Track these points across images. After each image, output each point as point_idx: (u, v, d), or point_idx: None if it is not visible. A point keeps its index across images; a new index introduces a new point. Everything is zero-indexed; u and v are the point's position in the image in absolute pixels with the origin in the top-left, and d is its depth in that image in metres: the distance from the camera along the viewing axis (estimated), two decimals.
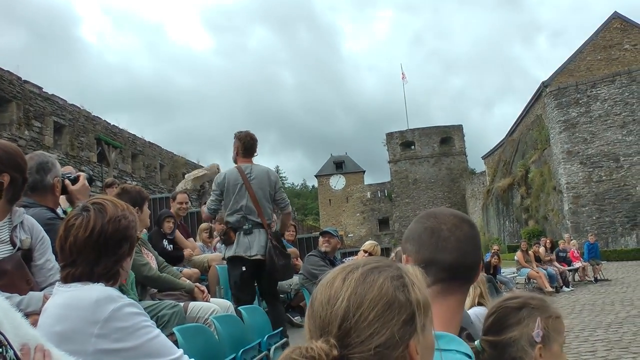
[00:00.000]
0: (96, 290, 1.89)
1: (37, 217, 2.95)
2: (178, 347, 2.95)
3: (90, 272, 1.94)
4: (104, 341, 1.77)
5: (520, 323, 1.75)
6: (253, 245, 5.38)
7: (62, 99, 21.12)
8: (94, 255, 1.96)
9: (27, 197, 3.09)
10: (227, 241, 5.48)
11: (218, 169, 16.35)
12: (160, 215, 6.65)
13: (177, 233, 6.80)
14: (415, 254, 1.47)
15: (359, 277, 0.95)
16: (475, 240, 1.51)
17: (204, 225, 8.11)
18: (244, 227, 5.42)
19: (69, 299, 1.89)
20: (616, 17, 38.12)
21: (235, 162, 5.71)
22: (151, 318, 3.24)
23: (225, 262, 5.86)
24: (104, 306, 1.83)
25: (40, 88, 19.88)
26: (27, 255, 2.61)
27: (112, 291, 1.92)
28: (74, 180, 3.35)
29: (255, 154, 5.80)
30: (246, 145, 5.70)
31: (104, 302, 1.84)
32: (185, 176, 7.73)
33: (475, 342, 1.72)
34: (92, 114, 23.19)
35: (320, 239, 7.37)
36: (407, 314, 0.94)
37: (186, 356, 1.93)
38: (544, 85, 36.03)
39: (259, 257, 5.36)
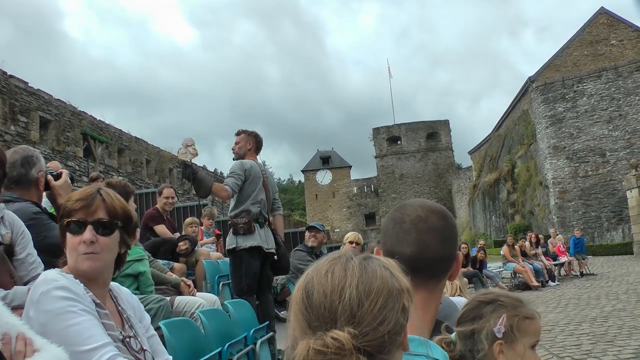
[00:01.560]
0: (44, 273, 1.90)
1: (22, 212, 2.92)
2: (164, 342, 2.95)
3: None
4: (33, 323, 1.72)
5: (483, 317, 1.77)
6: (268, 239, 5.62)
7: (47, 93, 20.93)
8: None
9: (12, 191, 3.06)
10: (248, 230, 5.53)
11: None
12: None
13: (163, 228, 6.78)
14: (382, 246, 1.46)
15: (360, 266, 0.95)
16: (443, 234, 1.44)
17: (188, 220, 8.07)
18: (259, 220, 5.62)
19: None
20: (603, 12, 38.29)
21: (242, 157, 5.84)
22: None
23: (213, 255, 5.86)
24: (37, 288, 1.81)
25: (25, 83, 19.69)
26: (8, 249, 2.58)
27: (51, 274, 1.88)
28: (57, 177, 3.32)
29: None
30: (259, 143, 5.99)
31: (39, 284, 1.82)
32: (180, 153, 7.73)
33: (452, 335, 1.73)
34: (78, 109, 23.01)
35: (307, 234, 7.36)
36: (402, 300, 0.95)
37: (110, 348, 1.78)
38: (531, 80, 36.21)
39: (272, 250, 5.65)
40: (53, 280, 1.84)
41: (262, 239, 5.56)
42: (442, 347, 1.69)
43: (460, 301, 2.32)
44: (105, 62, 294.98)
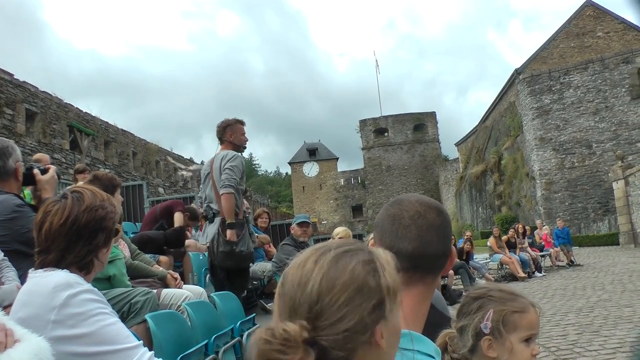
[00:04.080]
0: (57, 277, 1.86)
1: (5, 204, 2.88)
2: (151, 334, 2.94)
3: (60, 259, 1.92)
4: (59, 327, 1.72)
5: (470, 313, 1.78)
6: (208, 233, 5.53)
7: (33, 86, 20.77)
8: (66, 243, 1.93)
9: None
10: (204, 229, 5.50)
11: None
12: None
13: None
14: (379, 242, 1.44)
15: (331, 260, 0.94)
16: (441, 230, 1.44)
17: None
18: (207, 217, 5.58)
19: (33, 285, 1.87)
20: (589, 4, 38.41)
21: (224, 145, 5.64)
22: (124, 305, 3.22)
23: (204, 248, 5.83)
24: (61, 292, 1.78)
25: (11, 75, 19.52)
26: None
27: (72, 277, 1.87)
28: (44, 171, 3.28)
29: None
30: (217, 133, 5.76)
31: (61, 288, 1.80)
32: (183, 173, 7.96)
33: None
34: (64, 101, 22.88)
35: (298, 230, 7.27)
36: (376, 299, 0.93)
37: (146, 348, 1.85)
38: (517, 72, 36.35)
39: (207, 245, 5.56)
40: (78, 284, 1.85)
41: (205, 235, 5.46)
42: (446, 341, 1.73)
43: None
44: (88, 53, 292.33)
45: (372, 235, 2.06)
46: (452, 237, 1.57)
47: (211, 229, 5.42)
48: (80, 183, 5.40)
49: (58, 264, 1.91)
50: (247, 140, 5.81)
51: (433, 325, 2.14)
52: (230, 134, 5.61)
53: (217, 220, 5.41)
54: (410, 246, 1.37)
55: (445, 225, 1.47)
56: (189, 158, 39.20)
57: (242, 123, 5.79)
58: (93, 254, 1.99)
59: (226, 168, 5.32)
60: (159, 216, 6.69)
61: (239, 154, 5.54)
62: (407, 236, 1.39)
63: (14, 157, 3.17)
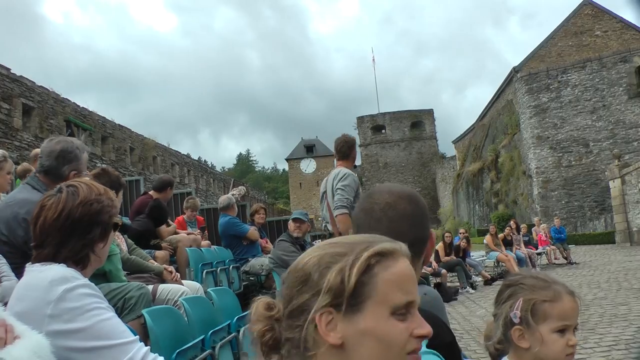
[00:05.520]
0: (53, 271, 1.85)
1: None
2: (147, 330, 2.94)
3: (56, 254, 1.91)
4: (55, 322, 1.71)
5: (502, 301, 1.75)
6: None
7: (30, 80, 20.70)
8: (61, 237, 1.92)
9: (42, 180, 3.18)
10: None
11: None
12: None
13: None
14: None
15: (314, 248, 1.06)
16: (413, 218, 1.45)
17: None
18: None
19: (29, 280, 1.86)
20: (587, 3, 38.43)
21: (342, 162, 5.50)
22: (118, 301, 3.22)
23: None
24: (57, 286, 1.77)
25: (8, 69, 19.45)
26: None
27: (69, 272, 1.86)
28: None
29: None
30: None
31: (57, 282, 1.79)
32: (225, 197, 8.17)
33: None
34: (61, 96, 22.82)
35: (292, 225, 7.30)
36: (319, 287, 0.98)
37: (142, 343, 1.84)
38: (515, 70, 36.35)
39: None
40: (74, 278, 1.84)
41: None
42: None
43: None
44: (85, 47, 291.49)
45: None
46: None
47: None
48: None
49: (54, 259, 1.90)
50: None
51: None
52: (354, 151, 5.54)
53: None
54: None
55: (418, 213, 1.48)
56: (186, 154, 39.20)
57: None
58: (88, 248, 1.98)
59: (338, 188, 5.18)
60: (140, 209, 6.71)
61: (351, 172, 5.35)
62: (379, 229, 1.39)
63: (72, 166, 3.23)
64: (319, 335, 0.96)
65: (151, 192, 7.22)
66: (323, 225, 5.49)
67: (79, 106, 24.08)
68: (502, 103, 41.67)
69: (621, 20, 37.91)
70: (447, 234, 14.00)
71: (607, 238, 25.97)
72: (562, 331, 1.66)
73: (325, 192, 5.46)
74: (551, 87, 33.55)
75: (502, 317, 1.72)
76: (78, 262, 1.95)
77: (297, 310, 0.99)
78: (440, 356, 1.27)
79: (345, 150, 5.46)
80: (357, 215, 1.51)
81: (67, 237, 1.93)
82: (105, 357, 1.73)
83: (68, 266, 1.90)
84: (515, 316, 1.68)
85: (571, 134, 32.66)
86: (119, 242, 4.57)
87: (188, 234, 8.11)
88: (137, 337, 1.86)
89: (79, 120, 23.22)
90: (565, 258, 17.30)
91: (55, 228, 1.92)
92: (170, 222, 7.29)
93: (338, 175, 5.25)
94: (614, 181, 24.69)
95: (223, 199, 8.55)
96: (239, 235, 8.06)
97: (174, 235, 6.93)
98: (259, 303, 1.04)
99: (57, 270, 1.85)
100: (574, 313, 1.69)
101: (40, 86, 21.42)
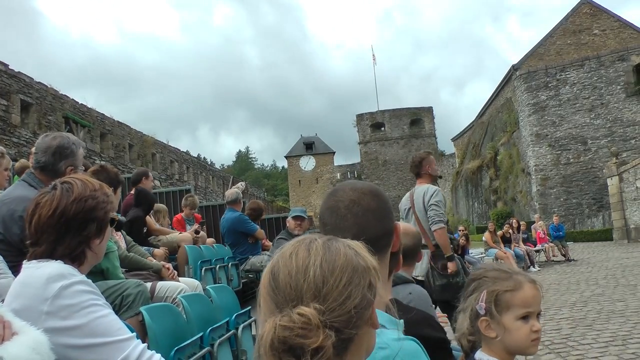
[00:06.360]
0: (50, 268, 1.84)
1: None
2: (146, 327, 2.94)
3: (52, 251, 1.90)
4: (52, 319, 1.71)
5: (468, 295, 1.82)
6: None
7: (28, 76, 20.62)
8: (56, 234, 1.91)
9: (39, 176, 3.19)
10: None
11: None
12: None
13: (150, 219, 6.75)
14: (323, 233, 1.48)
15: (323, 246, 0.99)
16: (378, 212, 1.47)
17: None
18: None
19: (26, 277, 1.85)
20: (586, 2, 38.56)
21: (421, 179, 5.66)
22: (116, 298, 3.21)
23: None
24: (54, 283, 1.77)
25: (6, 65, 19.39)
26: None
27: (66, 269, 1.86)
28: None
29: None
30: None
31: (54, 279, 1.78)
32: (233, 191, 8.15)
33: None
34: (60, 92, 22.73)
35: (292, 222, 7.28)
36: (368, 277, 0.98)
37: (139, 340, 1.83)
38: (514, 68, 36.39)
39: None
40: (71, 275, 1.83)
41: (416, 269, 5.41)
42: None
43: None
44: (83, 43, 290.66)
45: None
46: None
47: (421, 264, 5.34)
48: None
49: (50, 256, 1.90)
50: (439, 170, 5.93)
51: (414, 323, 2.16)
52: (428, 166, 5.65)
53: (423, 252, 5.42)
54: (349, 234, 1.38)
55: (382, 207, 1.50)
56: (185, 151, 39.17)
57: (431, 153, 5.87)
58: (84, 244, 1.97)
59: (432, 204, 5.38)
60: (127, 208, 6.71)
61: (438, 187, 5.58)
62: (345, 226, 1.43)
63: (69, 162, 3.21)
64: None
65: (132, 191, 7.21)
66: None
67: (77, 102, 24.02)
68: (501, 101, 41.69)
69: (619, 19, 38.15)
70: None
71: (605, 235, 26.07)
72: (525, 318, 1.74)
73: (410, 207, 5.64)
74: (550, 85, 33.58)
75: (469, 310, 1.79)
76: (74, 258, 1.94)
77: (363, 302, 0.97)
78: (419, 343, 1.28)
79: (416, 170, 5.70)
80: (322, 213, 1.53)
81: (62, 234, 1.92)
82: (101, 354, 1.72)
83: (65, 263, 1.89)
84: (480, 308, 1.75)
85: (569, 132, 32.71)
86: (117, 240, 4.57)
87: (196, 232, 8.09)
88: (134, 334, 1.85)
89: (77, 117, 23.18)
90: (564, 255, 17.37)
91: (50, 225, 1.91)
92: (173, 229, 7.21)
93: (428, 192, 5.45)
94: (611, 179, 24.74)
95: (231, 193, 8.45)
96: (247, 233, 8.02)
97: (175, 235, 6.93)
98: (295, 315, 0.92)
99: (54, 267, 1.85)
100: (535, 300, 1.78)
101: (39, 82, 21.34)
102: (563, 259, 17.33)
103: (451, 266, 5.28)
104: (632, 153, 29.36)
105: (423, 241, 5.32)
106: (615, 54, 32.37)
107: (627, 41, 35.87)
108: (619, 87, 31.77)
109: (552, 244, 17.98)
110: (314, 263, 0.95)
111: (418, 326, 2.09)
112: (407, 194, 5.77)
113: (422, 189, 5.54)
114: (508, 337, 1.73)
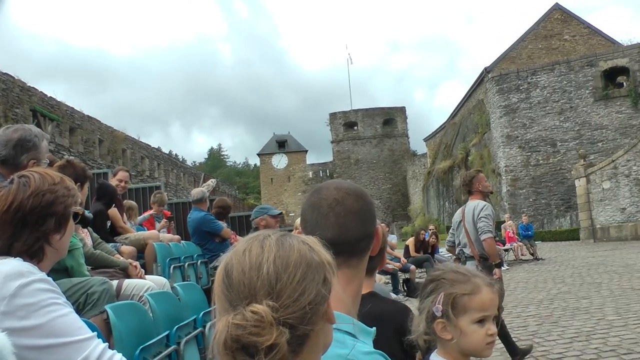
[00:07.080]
0: (7, 266, 1.76)
1: None
2: (110, 326, 2.89)
3: (9, 248, 1.84)
4: (9, 319, 1.63)
5: (425, 296, 1.82)
6: None
7: None
8: (12, 230, 1.84)
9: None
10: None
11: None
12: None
13: (116, 212, 6.64)
14: (303, 230, 1.47)
15: (276, 242, 0.97)
16: (360, 214, 1.45)
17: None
18: None
19: None
20: (557, 8, 39.42)
21: (474, 195, 6.24)
22: (80, 296, 3.15)
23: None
24: (11, 282, 1.69)
25: None
26: None
27: (25, 266, 1.78)
28: None
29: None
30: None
31: (11, 277, 1.70)
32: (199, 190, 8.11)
33: None
34: (28, 85, 22.16)
35: (272, 221, 7.06)
36: (323, 272, 0.97)
37: (99, 340, 1.77)
38: (486, 70, 36.86)
39: None
40: (30, 273, 1.75)
41: None
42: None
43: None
44: (53, 35, 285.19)
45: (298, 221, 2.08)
46: (424, 231, 1.59)
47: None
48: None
49: (7, 253, 1.83)
50: (490, 186, 6.60)
51: (393, 313, 2.17)
52: (478, 184, 6.20)
53: (470, 263, 5.97)
54: (329, 234, 1.37)
55: (365, 210, 1.47)
56: (156, 147, 38.81)
57: (481, 171, 6.58)
58: (43, 240, 1.90)
59: (481, 217, 5.98)
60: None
61: (487, 203, 6.17)
62: (326, 224, 1.41)
63: (31, 155, 3.13)
64: None
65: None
66: (458, 250, 6.33)
67: (46, 95, 23.47)
68: (473, 102, 42.13)
69: (588, 26, 39.14)
70: (422, 231, 14.14)
71: (572, 235, 26.60)
72: (481, 321, 1.74)
73: (461, 221, 6.28)
74: (521, 88, 34.05)
75: (426, 312, 1.79)
76: (33, 255, 1.87)
77: (317, 297, 0.98)
78: (386, 356, 1.28)
79: (468, 188, 6.30)
80: (304, 209, 1.51)
81: (18, 230, 1.85)
82: (59, 355, 1.66)
83: (23, 260, 1.82)
84: (437, 310, 1.75)
85: (539, 134, 33.21)
86: (84, 237, 4.49)
87: (160, 229, 8.01)
88: (95, 333, 1.78)
89: (46, 110, 22.70)
90: (532, 254, 17.63)
91: (6, 221, 1.84)
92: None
93: (478, 207, 6.06)
94: (579, 180, 25.23)
95: (196, 192, 8.37)
96: (213, 233, 7.95)
97: (142, 232, 6.85)
98: (248, 313, 0.92)
99: (13, 264, 1.77)
100: (492, 304, 1.77)
101: (5, 73, 20.77)
102: (531, 257, 17.60)
103: (497, 272, 5.83)
104: (599, 155, 29.93)
105: (469, 251, 6.13)
106: (585, 60, 32.95)
107: (596, 47, 36.76)
108: (587, 91, 32.35)
109: (520, 243, 18.24)
110: (267, 259, 0.94)
111: (397, 315, 2.11)
112: (460, 209, 6.48)
113: (473, 204, 6.14)
114: (464, 340, 1.73)
